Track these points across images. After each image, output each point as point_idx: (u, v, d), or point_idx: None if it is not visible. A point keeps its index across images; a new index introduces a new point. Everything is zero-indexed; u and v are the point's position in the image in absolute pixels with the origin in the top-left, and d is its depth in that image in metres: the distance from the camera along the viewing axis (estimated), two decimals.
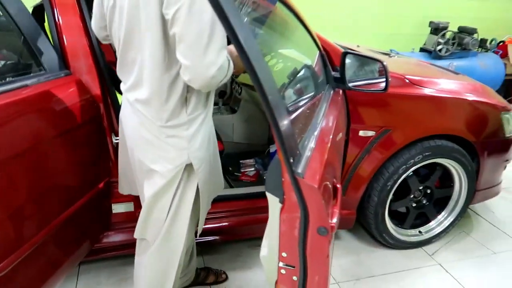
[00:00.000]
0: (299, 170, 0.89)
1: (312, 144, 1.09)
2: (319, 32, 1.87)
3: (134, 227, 1.44)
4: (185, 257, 1.67)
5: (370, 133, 1.97)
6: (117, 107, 1.64)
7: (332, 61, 1.87)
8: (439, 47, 4.43)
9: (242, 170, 2.50)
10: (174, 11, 1.05)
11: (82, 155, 1.54)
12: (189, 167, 1.32)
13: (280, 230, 1.01)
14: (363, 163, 2.02)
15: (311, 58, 1.85)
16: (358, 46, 2.78)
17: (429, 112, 2.07)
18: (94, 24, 1.40)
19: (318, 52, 1.77)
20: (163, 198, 1.34)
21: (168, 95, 1.21)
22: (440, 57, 4.42)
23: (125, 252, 1.87)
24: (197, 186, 1.36)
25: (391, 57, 2.67)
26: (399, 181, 2.09)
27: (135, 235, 1.46)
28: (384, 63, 1.63)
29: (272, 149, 2.59)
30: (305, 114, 1.34)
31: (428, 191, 2.28)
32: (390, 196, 2.12)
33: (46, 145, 1.31)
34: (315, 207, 0.90)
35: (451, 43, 4.48)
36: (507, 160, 2.44)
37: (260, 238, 2.31)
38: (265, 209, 2.23)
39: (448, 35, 4.49)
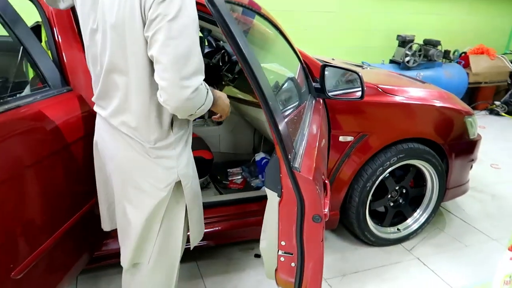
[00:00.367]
0: (296, 165, 1.03)
1: (303, 146, 1.24)
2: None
3: None
4: None
5: (349, 138, 2.14)
6: None
7: (312, 73, 2.04)
8: (407, 59, 4.72)
9: (230, 179, 2.62)
10: (152, 33, 1.08)
11: (84, 165, 1.62)
12: (177, 184, 1.33)
13: (279, 221, 1.14)
14: (344, 166, 2.18)
15: (293, 70, 2.01)
16: (333, 59, 2.98)
17: (401, 117, 2.27)
18: None
19: (299, 65, 1.93)
20: (156, 218, 1.34)
21: (156, 117, 1.23)
22: (408, 68, 4.71)
23: None
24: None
25: (364, 68, 2.88)
26: (377, 182, 2.27)
27: (126, 265, 1.43)
28: (360, 74, 1.81)
29: (258, 157, 2.73)
30: (293, 121, 1.49)
31: (404, 191, 2.47)
32: (370, 197, 2.29)
33: (56, 154, 1.41)
34: (310, 197, 1.04)
35: (418, 54, 4.79)
36: (472, 160, 2.66)
37: (250, 240, 2.44)
38: (253, 213, 2.37)
39: (415, 47, 4.80)
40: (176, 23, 1.06)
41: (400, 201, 2.48)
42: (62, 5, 1.44)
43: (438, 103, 2.36)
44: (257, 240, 2.34)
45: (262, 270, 2.16)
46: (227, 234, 2.22)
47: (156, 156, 1.28)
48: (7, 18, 1.45)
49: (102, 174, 1.47)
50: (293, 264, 1.19)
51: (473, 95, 5.48)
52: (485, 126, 4.73)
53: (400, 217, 2.53)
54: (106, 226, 1.59)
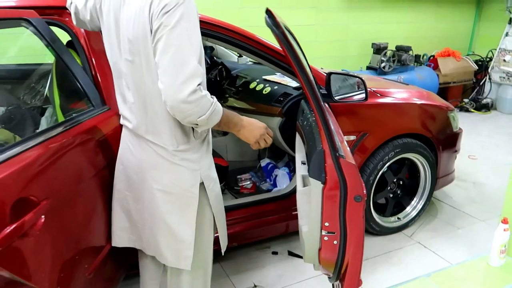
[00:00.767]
0: (340, 153, 1.24)
1: (337, 139, 1.45)
2: None
3: None
4: None
5: (352, 137, 2.38)
6: None
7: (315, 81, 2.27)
8: (382, 64, 5.07)
9: (240, 184, 2.80)
10: (155, 42, 1.20)
11: None
12: (201, 188, 1.42)
13: (323, 204, 1.34)
14: None
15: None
16: (322, 68, 3.24)
17: (395, 116, 2.53)
18: (81, 9, 1.50)
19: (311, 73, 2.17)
20: (187, 221, 1.41)
21: (175, 122, 1.32)
22: (384, 73, 5.05)
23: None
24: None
25: None
26: (379, 175, 2.51)
27: (174, 265, 1.47)
28: (363, 79, 2.06)
29: (263, 163, 2.93)
30: None
31: (401, 183, 2.72)
32: (373, 190, 2.53)
33: (110, 164, 1.56)
34: (353, 180, 1.25)
35: (392, 60, 5.15)
36: (456, 151, 2.96)
37: (264, 240, 2.60)
38: (268, 213, 2.53)
39: (389, 53, 5.16)
40: (175, 32, 1.17)
41: (398, 192, 2.73)
42: (90, 26, 1.57)
43: (424, 101, 2.65)
44: (272, 239, 2.55)
45: (282, 266, 2.39)
46: (247, 234, 2.39)
47: (180, 159, 1.37)
48: (55, 46, 1.60)
49: (123, 190, 1.50)
50: (335, 242, 1.38)
51: (444, 95, 5.88)
52: None
53: (398, 207, 2.78)
54: (119, 242, 1.56)
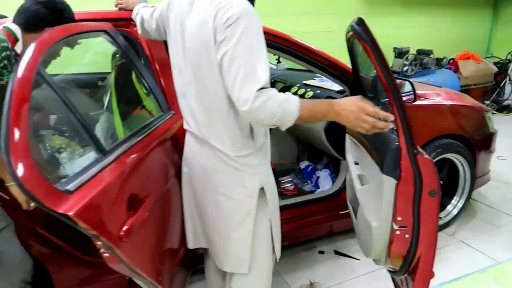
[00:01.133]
0: (419, 150, 1.31)
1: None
2: None
3: None
4: None
5: None
6: None
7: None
8: (405, 68, 5.14)
9: (282, 186, 2.87)
10: (221, 56, 1.21)
11: None
12: (260, 193, 1.43)
13: (396, 200, 1.41)
14: None
15: None
16: None
17: (435, 117, 2.59)
18: (147, 19, 1.59)
19: None
20: (248, 226, 1.43)
21: (236, 129, 1.35)
22: (407, 77, 5.11)
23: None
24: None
25: None
26: None
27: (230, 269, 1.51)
28: (412, 81, 2.13)
29: (302, 165, 3.00)
30: None
31: (441, 182, 2.77)
32: None
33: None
34: (428, 175, 1.32)
35: (414, 64, 5.22)
36: (491, 152, 3.01)
37: (310, 240, 2.65)
38: (312, 214, 2.58)
39: (411, 57, 5.23)
40: (239, 45, 1.17)
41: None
42: (153, 35, 1.64)
43: (461, 103, 2.71)
44: (317, 239, 2.61)
45: (330, 265, 2.45)
46: (296, 234, 2.46)
47: (241, 164, 1.39)
48: (130, 54, 1.70)
49: (188, 192, 1.54)
50: (407, 236, 1.44)
51: None
52: None
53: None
54: (190, 244, 1.60)
